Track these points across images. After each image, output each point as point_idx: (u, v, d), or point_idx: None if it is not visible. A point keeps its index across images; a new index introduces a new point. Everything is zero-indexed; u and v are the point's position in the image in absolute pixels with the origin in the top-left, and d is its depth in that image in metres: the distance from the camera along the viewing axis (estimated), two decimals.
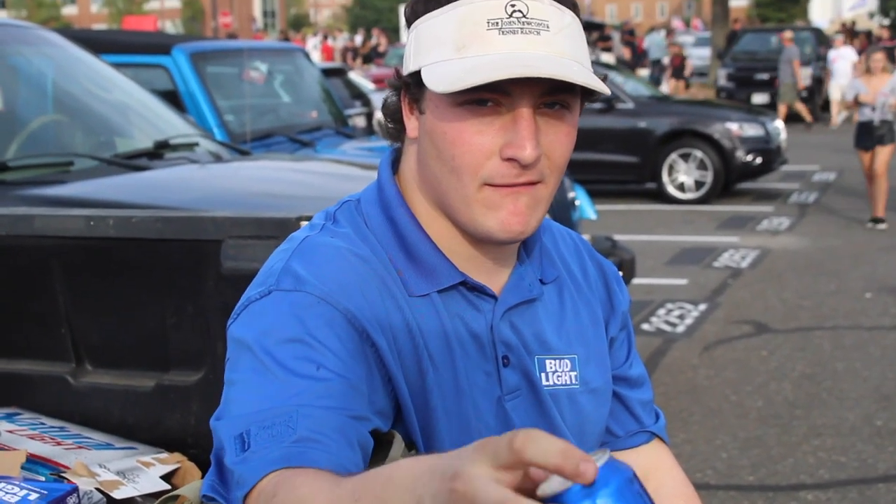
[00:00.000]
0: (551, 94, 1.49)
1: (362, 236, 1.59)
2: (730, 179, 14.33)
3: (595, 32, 37.96)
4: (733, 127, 14.26)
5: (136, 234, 2.69)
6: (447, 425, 1.56)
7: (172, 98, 7.31)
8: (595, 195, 9.12)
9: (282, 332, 1.43)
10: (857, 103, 12.15)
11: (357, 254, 1.55)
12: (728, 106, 17.24)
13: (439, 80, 1.46)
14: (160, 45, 7.96)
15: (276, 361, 1.40)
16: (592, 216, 7.87)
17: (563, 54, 1.48)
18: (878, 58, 12.15)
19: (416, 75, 1.52)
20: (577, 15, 1.55)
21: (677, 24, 46.73)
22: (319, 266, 1.51)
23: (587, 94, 1.56)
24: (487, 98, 1.46)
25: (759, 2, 59.90)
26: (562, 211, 6.76)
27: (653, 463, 1.84)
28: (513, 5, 1.46)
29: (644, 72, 32.71)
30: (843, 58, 24.12)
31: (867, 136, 12.06)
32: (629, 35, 36.97)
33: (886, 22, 40.33)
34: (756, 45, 28.28)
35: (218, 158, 5.35)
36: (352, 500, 1.12)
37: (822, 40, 28.82)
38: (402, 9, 1.57)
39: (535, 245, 1.70)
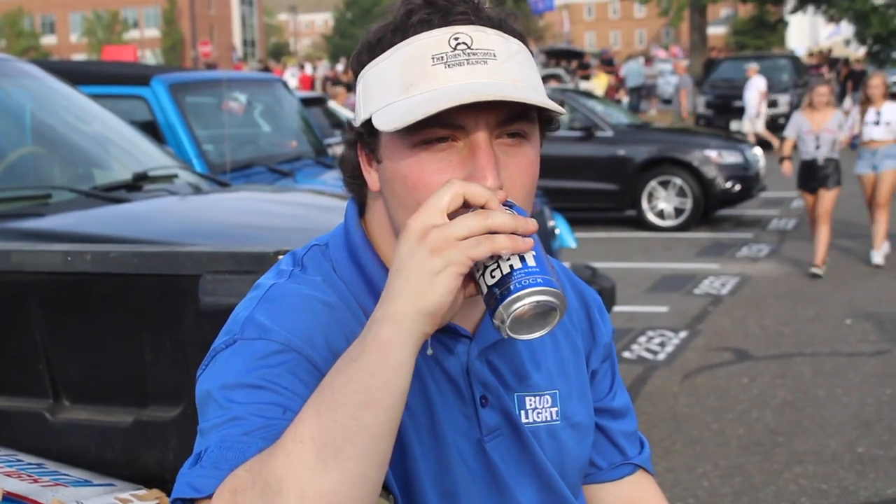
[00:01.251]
0: (507, 123, 1.47)
1: (330, 282, 1.57)
2: (709, 206, 14.38)
3: (574, 61, 38.21)
4: (712, 154, 14.32)
5: (114, 270, 2.68)
6: (427, 468, 1.55)
7: (151, 129, 7.30)
8: (575, 223, 9.14)
9: (246, 380, 1.41)
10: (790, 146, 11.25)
11: (323, 301, 1.54)
12: (707, 133, 17.31)
13: (388, 119, 1.44)
14: (139, 76, 7.95)
15: (242, 408, 1.39)
16: (572, 244, 7.88)
17: (513, 80, 1.46)
18: (823, 92, 11.00)
19: (368, 124, 1.50)
20: (525, 44, 1.53)
21: (657, 52, 46.97)
22: (284, 314, 1.50)
23: (545, 122, 1.56)
24: (442, 135, 1.44)
25: (736, 29, 60.30)
26: (541, 239, 6.76)
27: (637, 494, 1.84)
28: (456, 38, 1.45)
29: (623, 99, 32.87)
30: (751, 87, 24.08)
31: (810, 176, 10.97)
32: (608, 64, 37.15)
33: (862, 50, 40.59)
34: (734, 73, 28.42)
35: (197, 190, 5.34)
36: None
37: (799, 68, 29.00)
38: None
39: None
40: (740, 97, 25.38)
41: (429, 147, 1.45)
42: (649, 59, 42.03)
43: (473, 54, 1.45)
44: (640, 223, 14.47)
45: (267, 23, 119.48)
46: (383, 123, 1.44)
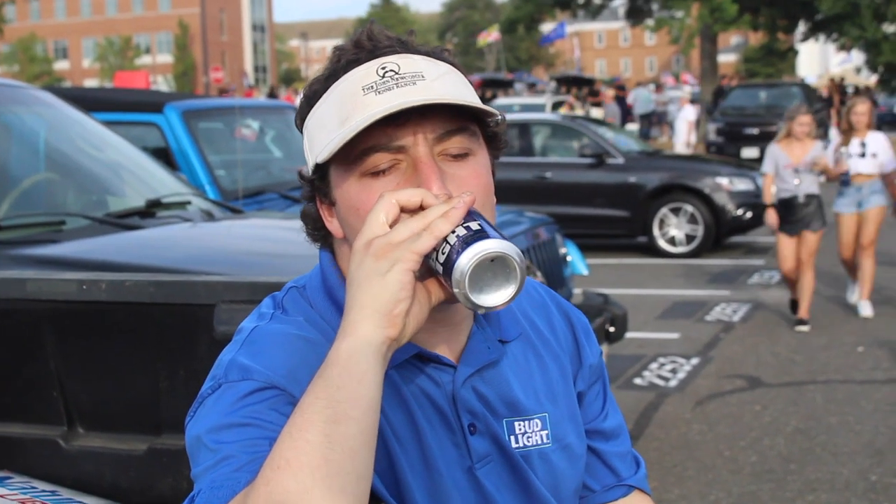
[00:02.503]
0: (446, 137, 1.50)
1: (311, 321, 1.60)
2: (720, 233, 14.37)
3: (585, 88, 38.28)
4: (723, 181, 14.32)
5: (129, 298, 2.69)
6: (422, 498, 1.55)
7: (164, 155, 7.33)
8: (586, 250, 9.14)
9: (232, 420, 1.43)
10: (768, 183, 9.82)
11: (305, 338, 1.56)
12: (718, 161, 17.31)
13: (325, 150, 1.48)
14: (152, 103, 7.99)
15: (230, 447, 1.40)
16: (584, 271, 7.87)
17: (442, 95, 1.49)
18: (805, 121, 9.59)
19: (317, 169, 1.54)
20: (456, 67, 1.57)
21: (667, 79, 47.03)
22: (266, 354, 1.51)
23: (491, 141, 1.59)
24: (385, 161, 1.47)
25: (747, 57, 60.40)
26: (553, 267, 6.76)
27: None
28: (384, 67, 1.50)
29: (632, 126, 32.92)
30: (681, 118, 23.88)
31: (790, 217, 9.66)
32: (620, 90, 37.21)
33: (874, 78, 40.61)
34: (745, 101, 28.48)
35: (210, 217, 5.36)
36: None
37: (810, 95, 29.02)
38: None
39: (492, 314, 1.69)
40: (751, 124, 25.41)
41: (375, 176, 1.49)
42: (659, 87, 42.08)
43: (402, 78, 1.49)
44: (652, 250, 14.47)
45: (278, 49, 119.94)
46: (323, 156, 1.48)
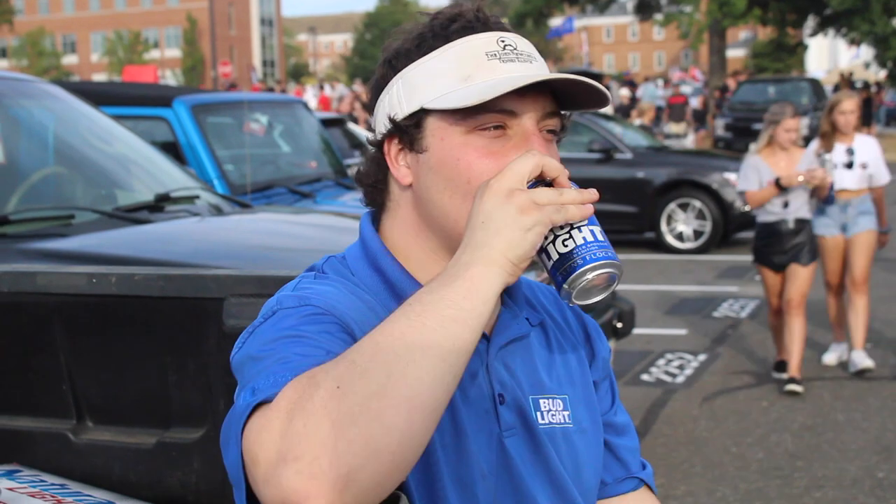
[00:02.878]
0: (549, 116, 1.59)
1: (351, 289, 1.61)
2: (728, 229, 14.36)
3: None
4: (732, 177, 14.29)
5: (139, 292, 2.70)
6: (447, 461, 1.56)
7: (173, 150, 7.34)
8: None
9: (287, 333, 1.42)
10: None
11: (353, 292, 1.59)
12: (726, 156, 17.29)
13: (460, 100, 1.53)
14: (161, 97, 8.01)
15: (285, 352, 1.38)
16: None
17: (566, 77, 1.57)
18: (792, 126, 7.69)
19: (415, 115, 1.57)
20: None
21: (677, 74, 46.96)
22: (320, 291, 1.54)
23: (563, 131, 1.67)
24: (496, 121, 1.54)
25: (756, 52, 60.31)
26: None
27: None
28: (503, 40, 1.59)
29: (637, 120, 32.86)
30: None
31: (776, 247, 7.80)
32: (630, 86, 37.18)
33: (883, 73, 40.53)
34: (753, 96, 28.45)
35: (219, 211, 5.37)
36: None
37: (819, 91, 28.97)
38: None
39: (517, 291, 1.73)
40: (760, 120, 25.37)
41: (482, 132, 1.54)
42: (667, 81, 42.04)
43: (520, 55, 1.59)
44: (659, 245, 14.47)
45: (286, 43, 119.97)
46: (457, 101, 1.53)
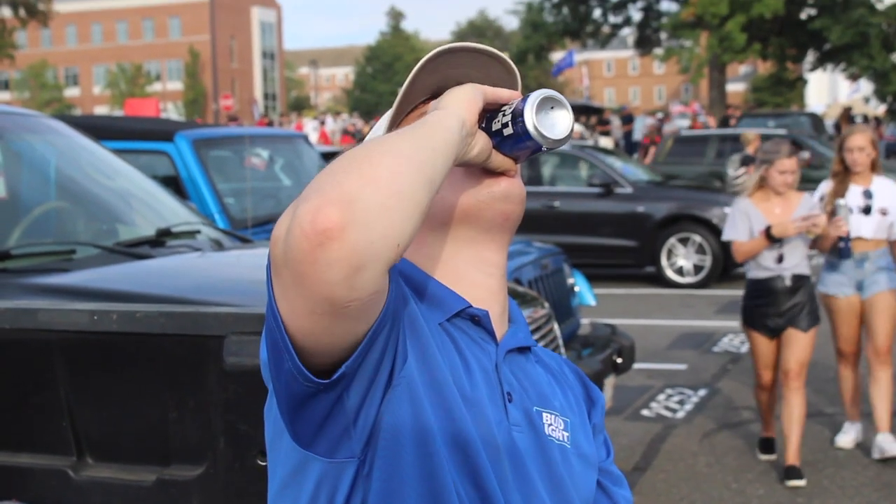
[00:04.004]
0: None
1: None
2: (728, 264, 14.34)
3: (594, 116, 38.37)
4: None
5: (140, 329, 2.71)
6: (474, 421, 1.56)
7: (174, 184, 7.36)
8: (594, 279, 9.15)
9: None
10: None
11: None
12: (726, 191, 17.32)
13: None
14: (163, 131, 8.04)
15: None
16: (592, 302, 7.88)
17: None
18: (789, 167, 6.52)
19: None
20: None
21: (676, 108, 47.10)
22: None
23: None
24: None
25: (755, 87, 60.50)
26: (561, 298, 6.77)
27: None
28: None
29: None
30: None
31: (769, 308, 6.60)
32: (628, 121, 37.31)
33: (882, 108, 40.65)
34: (753, 130, 28.45)
35: (219, 246, 5.38)
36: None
37: (819, 125, 29.04)
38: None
39: (520, 315, 1.76)
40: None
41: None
42: (667, 116, 42.16)
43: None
44: (660, 280, 14.47)
45: (288, 76, 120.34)
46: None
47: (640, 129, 35.73)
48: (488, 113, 1.60)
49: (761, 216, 6.48)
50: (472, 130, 1.53)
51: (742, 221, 6.52)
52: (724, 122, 32.93)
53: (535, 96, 1.56)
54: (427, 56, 1.61)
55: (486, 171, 1.63)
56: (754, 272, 6.63)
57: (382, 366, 1.44)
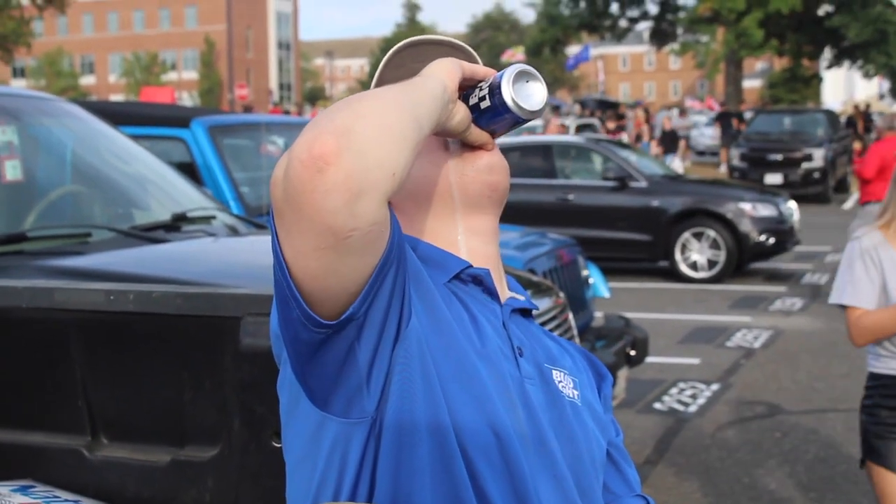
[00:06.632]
0: None
1: None
2: (743, 259, 14.33)
3: (609, 111, 38.34)
4: (746, 207, 14.29)
5: (156, 310, 2.71)
6: (489, 375, 1.57)
7: (190, 170, 7.37)
8: (608, 273, 9.14)
9: None
10: None
11: None
12: (741, 186, 17.29)
13: None
14: (179, 117, 8.04)
15: None
16: (606, 294, 7.87)
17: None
18: None
19: None
20: None
21: (692, 103, 47.01)
22: None
23: None
24: None
25: (772, 83, 60.35)
26: (575, 289, 6.77)
27: None
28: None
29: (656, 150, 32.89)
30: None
31: None
32: (646, 114, 37.25)
33: None
34: (769, 126, 28.43)
35: (234, 232, 5.38)
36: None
37: (835, 122, 28.95)
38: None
39: (518, 288, 1.79)
40: (775, 150, 25.36)
41: None
42: (683, 111, 42.10)
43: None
44: (673, 274, 14.45)
45: (303, 67, 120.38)
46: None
47: (660, 125, 35.67)
48: (465, 90, 1.64)
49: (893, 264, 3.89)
50: (453, 97, 1.58)
51: (866, 272, 3.92)
52: (739, 118, 32.82)
53: (512, 70, 1.62)
54: (392, 50, 1.68)
55: (465, 146, 1.67)
56: (886, 363, 4.07)
57: (390, 314, 1.45)
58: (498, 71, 1.66)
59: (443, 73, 1.57)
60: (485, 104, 1.62)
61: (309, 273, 1.36)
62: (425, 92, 1.49)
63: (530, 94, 1.62)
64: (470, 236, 1.69)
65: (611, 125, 32.50)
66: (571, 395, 1.71)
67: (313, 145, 1.27)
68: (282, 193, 1.32)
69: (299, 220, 1.31)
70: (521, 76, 1.62)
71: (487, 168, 1.68)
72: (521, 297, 1.75)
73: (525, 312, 1.75)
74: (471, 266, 1.66)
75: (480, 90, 1.63)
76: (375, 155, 1.29)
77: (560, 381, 1.70)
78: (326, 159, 1.26)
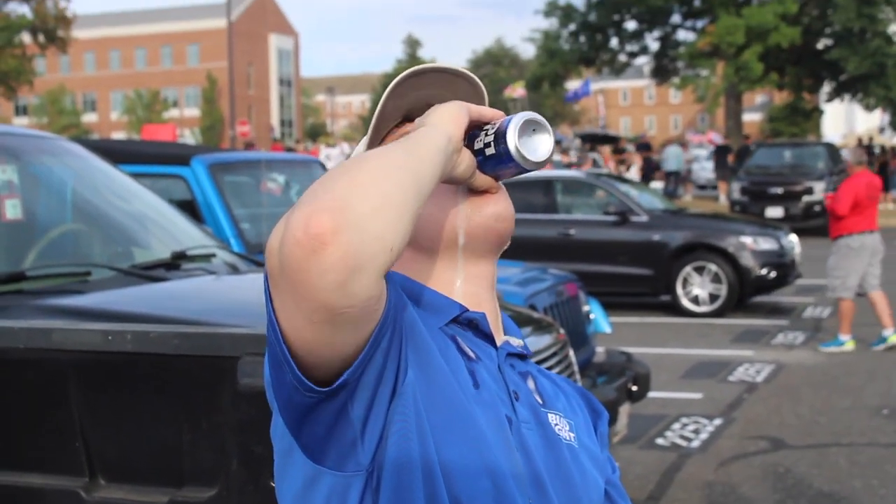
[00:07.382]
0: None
1: None
2: (744, 293, 14.31)
3: (610, 145, 38.42)
4: (747, 240, 14.29)
5: (154, 350, 2.70)
6: (484, 417, 1.55)
7: (190, 208, 7.37)
8: (609, 307, 9.12)
9: None
10: None
11: None
12: (742, 220, 17.30)
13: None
14: (179, 155, 8.05)
15: None
16: (607, 329, 7.86)
17: None
18: None
19: None
20: None
21: (692, 137, 47.11)
22: None
23: None
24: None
25: (772, 116, 60.49)
26: (576, 325, 6.76)
27: None
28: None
29: (657, 184, 32.98)
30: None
31: None
32: (646, 149, 37.31)
33: None
34: (769, 160, 28.48)
35: (234, 270, 5.37)
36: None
37: (835, 155, 28.98)
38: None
39: (514, 330, 1.77)
40: (776, 184, 25.39)
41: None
42: (684, 145, 42.19)
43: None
44: (675, 309, 14.43)
45: (304, 103, 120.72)
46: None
47: (672, 159, 35.73)
48: (471, 131, 1.62)
49: None
50: (458, 147, 1.56)
51: None
52: (743, 152, 32.91)
53: (518, 119, 1.58)
54: (395, 81, 1.64)
55: (470, 191, 1.66)
56: None
57: (385, 375, 1.44)
58: (504, 111, 1.65)
59: (448, 122, 1.55)
60: (490, 151, 1.60)
61: (302, 342, 1.36)
62: (429, 146, 1.47)
63: (536, 146, 1.59)
64: (469, 280, 1.68)
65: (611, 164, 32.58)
66: (568, 438, 1.69)
67: (309, 223, 1.25)
68: (277, 266, 1.30)
69: (294, 294, 1.30)
70: (527, 125, 1.59)
71: (494, 216, 1.66)
72: (517, 341, 1.74)
73: (521, 355, 1.74)
74: (467, 310, 1.65)
75: (486, 135, 1.61)
76: (373, 230, 1.28)
77: (556, 425, 1.69)
78: (323, 239, 1.24)
